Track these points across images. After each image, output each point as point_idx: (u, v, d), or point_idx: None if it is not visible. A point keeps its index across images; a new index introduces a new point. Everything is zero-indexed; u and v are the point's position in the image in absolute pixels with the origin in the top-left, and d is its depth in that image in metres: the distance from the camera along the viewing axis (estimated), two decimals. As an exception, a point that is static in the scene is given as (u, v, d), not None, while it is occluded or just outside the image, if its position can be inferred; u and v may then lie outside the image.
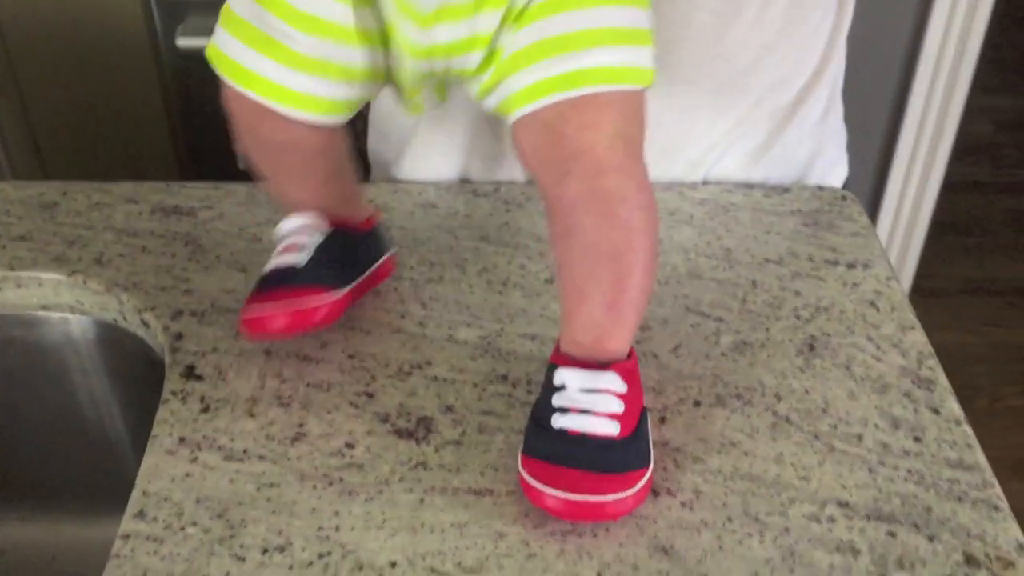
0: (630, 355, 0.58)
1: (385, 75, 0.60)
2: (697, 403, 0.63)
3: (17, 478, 0.79)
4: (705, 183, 0.81)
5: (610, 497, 0.54)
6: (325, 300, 0.62)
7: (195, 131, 1.42)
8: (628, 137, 0.54)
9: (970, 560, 0.54)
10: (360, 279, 0.66)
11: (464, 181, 0.81)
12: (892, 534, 0.55)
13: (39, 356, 0.72)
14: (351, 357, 0.65)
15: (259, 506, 0.56)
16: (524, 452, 0.56)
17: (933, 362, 0.66)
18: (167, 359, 0.64)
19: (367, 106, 1.23)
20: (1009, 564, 0.54)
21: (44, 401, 0.74)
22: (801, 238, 0.76)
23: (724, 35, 0.72)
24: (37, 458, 0.78)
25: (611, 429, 0.55)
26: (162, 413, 0.61)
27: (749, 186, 0.81)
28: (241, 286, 0.70)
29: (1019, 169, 2.33)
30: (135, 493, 0.57)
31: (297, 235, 0.63)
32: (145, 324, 0.68)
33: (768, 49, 0.74)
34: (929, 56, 1.54)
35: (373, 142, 0.87)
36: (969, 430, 0.62)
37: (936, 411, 0.63)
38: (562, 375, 0.56)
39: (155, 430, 0.60)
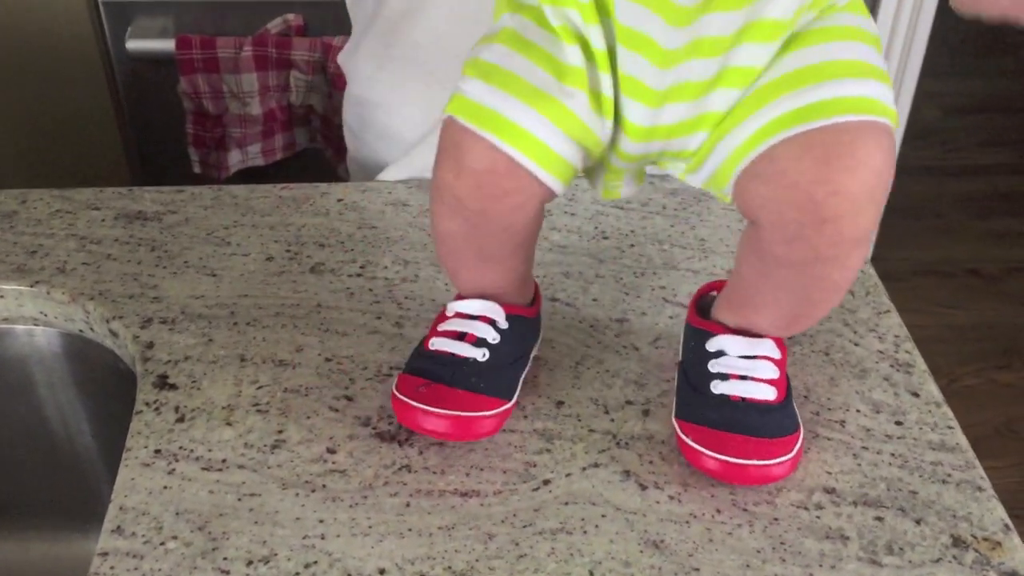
0: None
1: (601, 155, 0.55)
2: (680, 395, 0.62)
3: (-18, 496, 0.77)
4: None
5: (775, 461, 0.55)
6: (498, 412, 0.58)
7: (147, 136, 1.40)
8: (877, 195, 0.48)
9: (957, 542, 0.55)
10: (526, 373, 0.61)
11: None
12: (880, 519, 0.56)
13: (2, 370, 0.70)
14: (328, 360, 0.64)
15: (241, 517, 0.55)
16: (682, 417, 0.57)
17: (910, 345, 0.66)
18: (138, 369, 0.63)
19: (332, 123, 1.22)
20: (996, 544, 0.54)
21: (9, 416, 0.72)
22: (773, 226, 0.76)
23: None
24: (4, 475, 0.76)
25: (770, 394, 0.56)
26: (136, 425, 0.59)
27: (719, 176, 0.81)
28: (211, 291, 0.68)
29: (968, 153, 2.37)
30: (111, 509, 0.55)
31: (476, 324, 0.58)
32: (113, 334, 0.66)
33: None
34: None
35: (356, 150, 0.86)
36: (949, 411, 0.62)
37: (915, 394, 0.63)
38: (720, 342, 0.57)
39: (129, 443, 0.58)
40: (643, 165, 0.58)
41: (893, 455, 0.59)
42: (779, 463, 0.55)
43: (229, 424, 0.60)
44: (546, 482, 0.57)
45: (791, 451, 0.56)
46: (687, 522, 0.55)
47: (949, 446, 0.60)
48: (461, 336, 0.58)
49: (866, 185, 0.47)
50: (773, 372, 0.57)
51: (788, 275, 0.53)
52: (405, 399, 0.57)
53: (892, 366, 0.65)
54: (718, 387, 0.56)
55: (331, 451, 0.58)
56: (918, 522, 0.55)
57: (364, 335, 0.66)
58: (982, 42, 2.70)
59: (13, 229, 0.73)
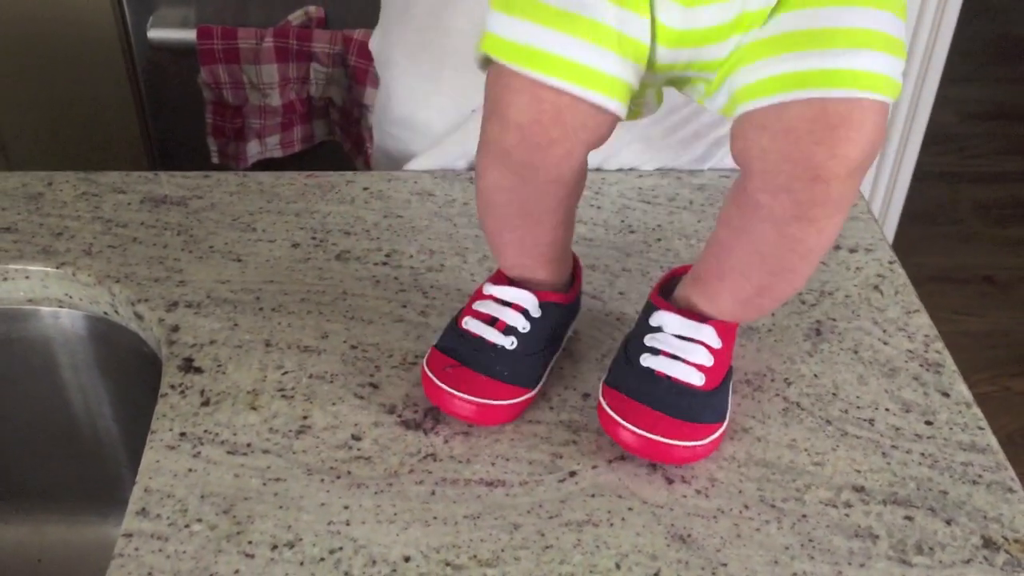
0: None
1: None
2: (707, 390, 0.62)
3: (1, 478, 0.77)
4: (703, 169, 0.81)
5: (681, 443, 0.55)
6: (521, 399, 0.59)
7: (166, 125, 1.40)
8: (865, 167, 0.49)
9: (988, 543, 0.54)
10: (554, 360, 0.62)
11: (460, 170, 0.80)
12: (909, 518, 0.55)
13: (26, 351, 0.70)
14: (353, 347, 0.64)
15: (266, 501, 0.55)
16: (607, 382, 0.57)
17: (940, 345, 0.66)
18: (163, 352, 0.62)
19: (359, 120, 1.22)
20: (1027, 546, 0.54)
21: (31, 397, 0.72)
22: (801, 223, 0.75)
23: None
24: (23, 457, 0.75)
25: (696, 379, 0.56)
26: (161, 407, 0.59)
27: (746, 172, 0.80)
28: (237, 276, 0.68)
29: (985, 159, 2.36)
30: (136, 490, 0.55)
31: (508, 311, 0.59)
32: (139, 316, 0.66)
33: None
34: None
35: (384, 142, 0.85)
36: (979, 412, 0.61)
37: (946, 394, 0.62)
38: (660, 317, 0.57)
39: (154, 425, 0.58)
40: (667, 79, 0.55)
41: (923, 455, 0.59)
42: (685, 446, 0.55)
43: (254, 408, 0.59)
44: (572, 474, 0.57)
45: (703, 439, 0.56)
46: (715, 517, 0.55)
47: (980, 447, 0.59)
48: (492, 321, 0.59)
49: (862, 155, 0.48)
50: (706, 359, 0.56)
51: (765, 231, 0.52)
52: (433, 378, 0.58)
53: (922, 365, 0.64)
54: (647, 360, 0.56)
55: (356, 438, 0.58)
56: (948, 522, 0.55)
57: (389, 323, 0.65)
58: (1001, 49, 2.69)
59: (39, 211, 0.73)
